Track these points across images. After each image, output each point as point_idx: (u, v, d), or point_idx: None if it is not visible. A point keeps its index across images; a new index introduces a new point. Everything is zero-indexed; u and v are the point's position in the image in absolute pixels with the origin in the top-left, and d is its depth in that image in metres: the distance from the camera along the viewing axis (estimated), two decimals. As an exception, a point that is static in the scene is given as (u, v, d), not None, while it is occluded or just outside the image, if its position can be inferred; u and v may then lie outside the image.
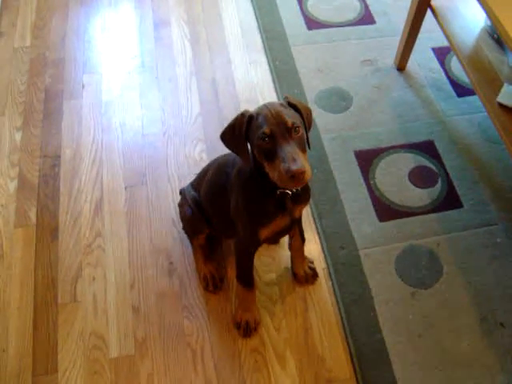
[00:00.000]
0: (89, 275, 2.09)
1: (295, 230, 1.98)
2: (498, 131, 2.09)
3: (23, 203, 2.27)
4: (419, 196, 2.31)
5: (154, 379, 1.87)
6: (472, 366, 1.89)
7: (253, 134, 1.50)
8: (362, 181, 2.35)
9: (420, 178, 2.37)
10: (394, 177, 2.37)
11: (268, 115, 1.46)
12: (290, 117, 1.47)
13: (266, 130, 1.44)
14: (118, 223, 2.22)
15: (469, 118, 2.60)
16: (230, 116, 2.56)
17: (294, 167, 1.38)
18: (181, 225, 2.15)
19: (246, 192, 1.69)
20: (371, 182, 2.34)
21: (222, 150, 2.33)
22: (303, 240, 2.02)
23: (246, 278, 1.91)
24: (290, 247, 2.06)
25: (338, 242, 2.17)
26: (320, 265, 2.12)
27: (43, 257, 2.13)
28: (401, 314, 2.00)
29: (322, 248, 2.16)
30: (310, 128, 1.62)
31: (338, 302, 2.03)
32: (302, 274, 2.07)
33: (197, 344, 1.94)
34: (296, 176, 1.39)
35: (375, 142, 2.48)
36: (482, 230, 2.22)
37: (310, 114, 1.64)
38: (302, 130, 1.48)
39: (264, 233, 1.72)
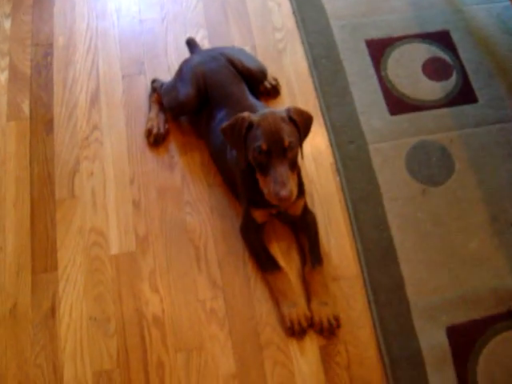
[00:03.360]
0: (86, 170, 2.01)
1: (304, 242, 1.84)
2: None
3: (15, 95, 2.16)
4: (432, 89, 2.19)
5: (157, 276, 1.83)
6: (480, 266, 1.84)
7: (250, 141, 1.59)
8: (373, 72, 2.22)
9: (434, 70, 2.24)
10: (407, 68, 2.24)
11: (267, 130, 1.56)
12: (289, 135, 1.57)
13: (262, 145, 1.55)
14: (115, 115, 2.12)
15: (488, 7, 2.42)
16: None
17: (282, 193, 1.54)
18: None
19: (244, 179, 1.76)
20: (383, 74, 2.21)
21: (226, 36, 2.22)
22: (316, 261, 1.80)
23: (265, 261, 1.81)
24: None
25: (347, 135, 2.07)
26: (328, 159, 2.03)
27: (38, 151, 2.04)
28: (410, 211, 1.93)
29: (330, 142, 2.06)
30: (306, 137, 1.69)
31: (345, 198, 1.95)
32: (317, 321, 1.75)
33: (200, 240, 1.89)
34: (283, 200, 1.55)
35: (388, 31, 2.33)
36: (496, 126, 2.12)
37: (310, 123, 1.70)
38: (296, 148, 1.61)
39: (257, 214, 1.78)
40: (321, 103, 2.14)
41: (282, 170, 1.55)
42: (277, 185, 1.54)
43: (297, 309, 1.73)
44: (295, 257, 1.86)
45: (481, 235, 1.90)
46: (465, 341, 1.72)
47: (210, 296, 1.80)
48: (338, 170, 2.01)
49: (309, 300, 1.77)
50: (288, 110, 1.63)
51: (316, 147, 2.05)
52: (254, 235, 1.82)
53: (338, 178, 2.00)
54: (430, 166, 2.02)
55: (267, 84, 2.10)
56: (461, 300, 1.78)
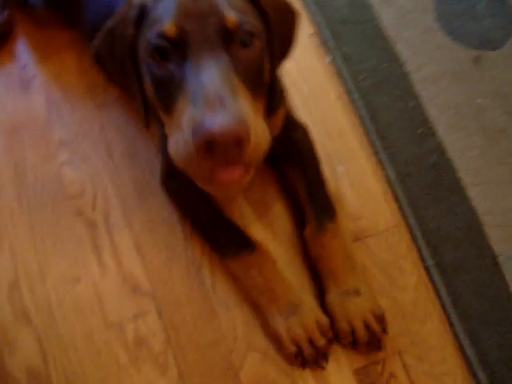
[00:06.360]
0: None
1: (296, 184, 0.96)
2: None
3: None
4: None
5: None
6: None
7: (143, 36, 0.71)
8: None
9: None
10: None
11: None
12: (238, 12, 0.68)
13: (166, 27, 0.66)
14: None
15: None
16: None
17: (214, 121, 0.59)
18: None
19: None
20: None
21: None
22: (325, 214, 0.92)
23: (223, 236, 0.92)
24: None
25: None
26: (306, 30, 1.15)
27: None
28: (462, 96, 1.10)
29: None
30: (285, 40, 0.80)
31: (348, 90, 1.09)
32: (346, 329, 0.89)
33: (94, 208, 1.01)
34: (218, 144, 0.60)
35: None
36: None
37: (292, 18, 0.80)
38: (259, 45, 0.71)
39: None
40: None
41: (213, 73, 0.64)
42: (198, 105, 0.62)
43: (301, 316, 0.87)
44: (281, 215, 0.99)
45: None
46: None
47: (129, 314, 0.93)
48: (326, 45, 1.12)
49: (324, 291, 0.90)
50: None
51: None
52: (192, 191, 0.89)
53: (329, 58, 1.12)
54: (476, 17, 1.17)
55: None
56: None
